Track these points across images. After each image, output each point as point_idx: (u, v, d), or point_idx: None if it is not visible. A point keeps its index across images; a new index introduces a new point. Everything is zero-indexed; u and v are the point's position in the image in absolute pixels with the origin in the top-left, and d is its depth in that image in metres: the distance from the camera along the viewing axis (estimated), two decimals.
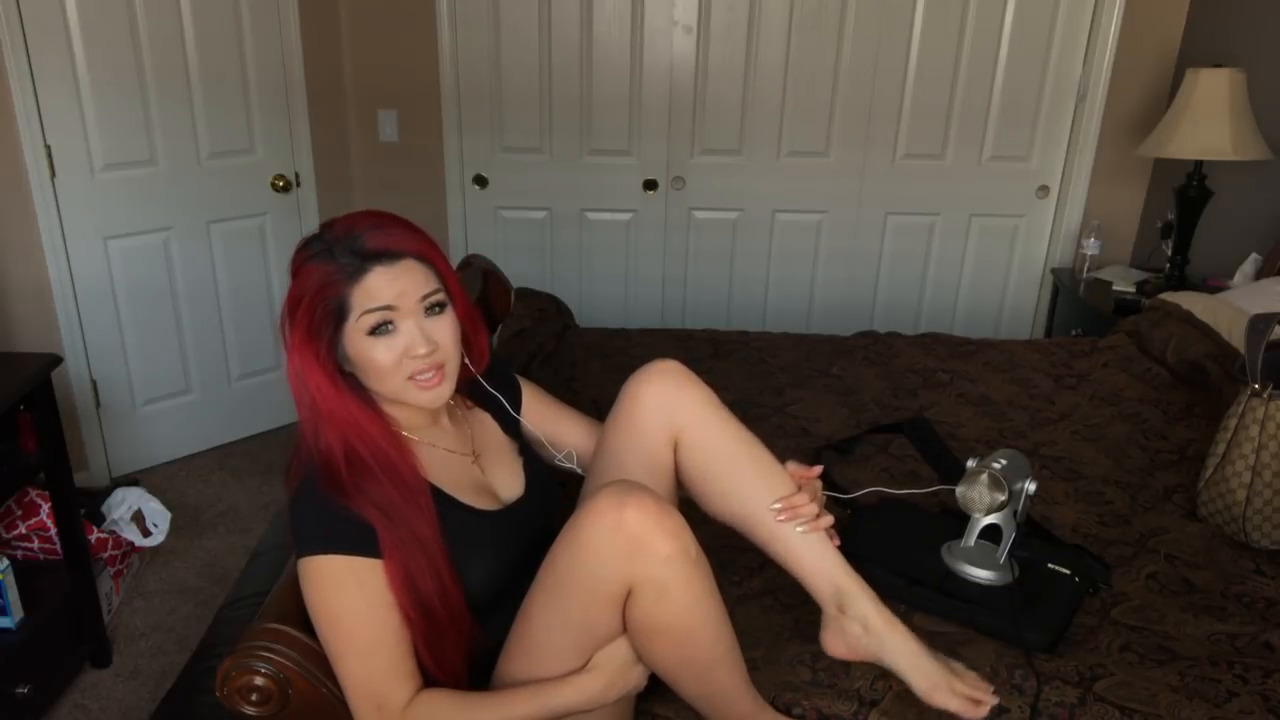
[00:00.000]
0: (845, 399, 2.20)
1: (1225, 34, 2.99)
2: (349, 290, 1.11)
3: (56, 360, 2.02)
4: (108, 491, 2.43)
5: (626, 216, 3.49)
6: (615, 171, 3.42)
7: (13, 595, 1.91)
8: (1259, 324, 1.61)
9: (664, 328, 2.96)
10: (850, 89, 3.28)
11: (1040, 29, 3.19)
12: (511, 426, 1.38)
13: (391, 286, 1.11)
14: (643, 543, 1.05)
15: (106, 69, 2.67)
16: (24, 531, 2.14)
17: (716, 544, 1.33)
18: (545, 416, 1.42)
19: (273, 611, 1.14)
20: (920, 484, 1.78)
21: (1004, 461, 1.46)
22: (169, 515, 2.44)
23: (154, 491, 2.51)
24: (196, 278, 3.02)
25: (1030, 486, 1.47)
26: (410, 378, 1.15)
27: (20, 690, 1.89)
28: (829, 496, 1.59)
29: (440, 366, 1.16)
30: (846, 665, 1.26)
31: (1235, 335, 2.15)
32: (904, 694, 1.23)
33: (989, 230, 3.45)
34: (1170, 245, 2.98)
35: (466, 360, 1.25)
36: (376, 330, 1.12)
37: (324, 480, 1.11)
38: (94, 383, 2.87)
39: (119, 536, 2.34)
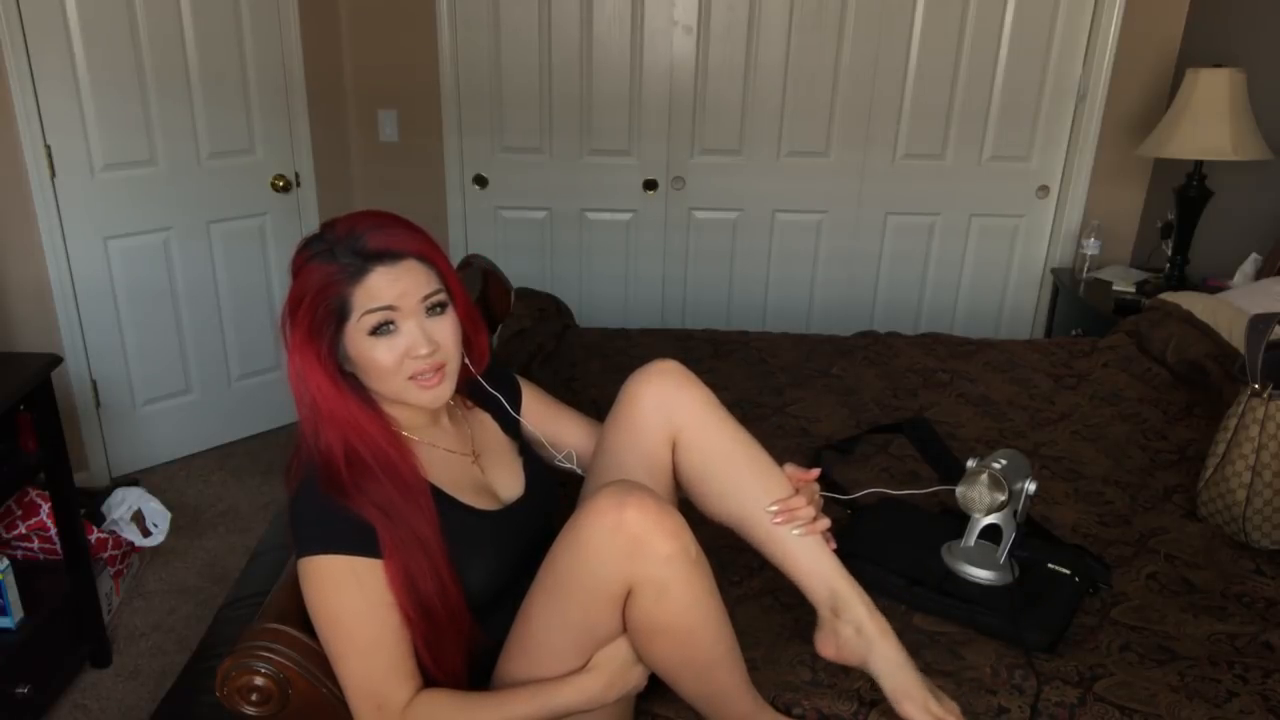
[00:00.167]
0: (845, 399, 2.20)
1: (1225, 34, 2.99)
2: (351, 290, 1.11)
3: (56, 360, 2.02)
4: (108, 491, 2.43)
5: (626, 216, 3.49)
6: (615, 171, 3.42)
7: (13, 595, 1.91)
8: (1259, 324, 1.61)
9: (664, 328, 2.96)
10: (850, 89, 3.28)
11: (1040, 29, 3.19)
12: (511, 427, 1.38)
13: (393, 287, 1.12)
14: (643, 543, 1.05)
15: (106, 69, 2.67)
16: (24, 531, 2.14)
17: (716, 544, 1.33)
18: (545, 417, 1.42)
19: (273, 611, 1.14)
20: (920, 484, 1.78)
21: (1004, 461, 1.46)
22: (169, 515, 2.44)
23: (154, 491, 2.51)
24: (196, 278, 3.02)
25: (1030, 486, 1.47)
26: (411, 378, 1.15)
27: (20, 690, 1.89)
28: (829, 497, 1.59)
29: (441, 367, 1.17)
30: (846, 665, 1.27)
31: (1235, 335, 2.15)
32: None
33: (989, 230, 3.45)
34: (1170, 245, 2.98)
35: (466, 360, 1.25)
36: (378, 330, 1.12)
37: (324, 480, 1.11)
38: (94, 383, 2.87)
39: (119, 536, 2.34)
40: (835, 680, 1.26)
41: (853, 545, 1.51)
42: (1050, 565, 1.45)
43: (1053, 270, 3.39)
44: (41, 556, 2.16)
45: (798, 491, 1.26)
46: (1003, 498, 1.43)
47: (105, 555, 2.32)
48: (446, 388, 1.18)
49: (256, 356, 3.25)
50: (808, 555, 1.23)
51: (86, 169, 2.70)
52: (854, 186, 3.41)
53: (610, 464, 1.29)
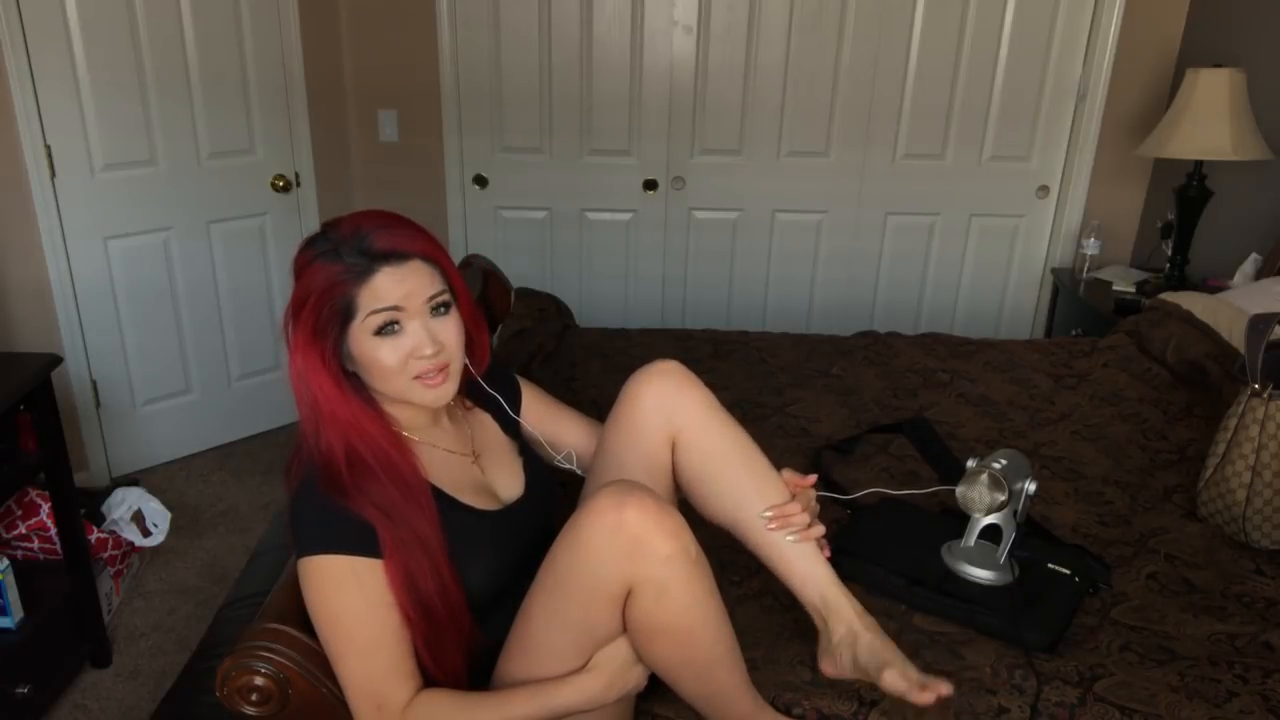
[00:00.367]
0: (845, 399, 2.20)
1: (1225, 34, 2.99)
2: (356, 290, 1.11)
3: (56, 360, 2.02)
4: (108, 491, 2.43)
5: (626, 216, 3.49)
6: (615, 171, 3.42)
7: (13, 595, 1.91)
8: (1259, 324, 1.61)
9: (664, 328, 2.95)
10: (850, 89, 3.28)
11: (1040, 29, 3.19)
12: (511, 427, 1.38)
13: (399, 287, 1.12)
14: (643, 543, 1.05)
15: (106, 69, 2.67)
16: (24, 531, 2.14)
17: (716, 544, 1.33)
18: (545, 417, 1.42)
19: (273, 611, 1.14)
20: (920, 484, 1.78)
21: (1004, 461, 1.46)
22: (169, 515, 2.44)
23: (154, 491, 2.51)
24: (196, 278, 3.02)
25: (1030, 486, 1.47)
26: (415, 377, 1.15)
27: (20, 690, 1.89)
28: (829, 497, 1.59)
29: (445, 367, 1.17)
30: None
31: (1235, 335, 2.15)
32: None
33: (989, 230, 3.45)
34: (1170, 245, 2.98)
35: (467, 361, 1.25)
36: (383, 330, 1.12)
37: (324, 480, 1.11)
38: (94, 383, 2.87)
39: (119, 536, 2.34)
40: (835, 680, 1.26)
41: (853, 545, 1.51)
42: (1050, 565, 1.45)
43: (1053, 270, 3.39)
44: (41, 556, 2.16)
45: (794, 497, 1.26)
46: (1003, 498, 1.43)
47: (105, 555, 2.32)
48: (450, 387, 1.18)
49: (256, 356, 3.25)
50: (801, 561, 1.23)
51: (86, 169, 2.70)
52: (854, 186, 3.41)
53: (610, 464, 1.29)
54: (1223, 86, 2.66)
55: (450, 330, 1.17)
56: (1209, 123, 2.68)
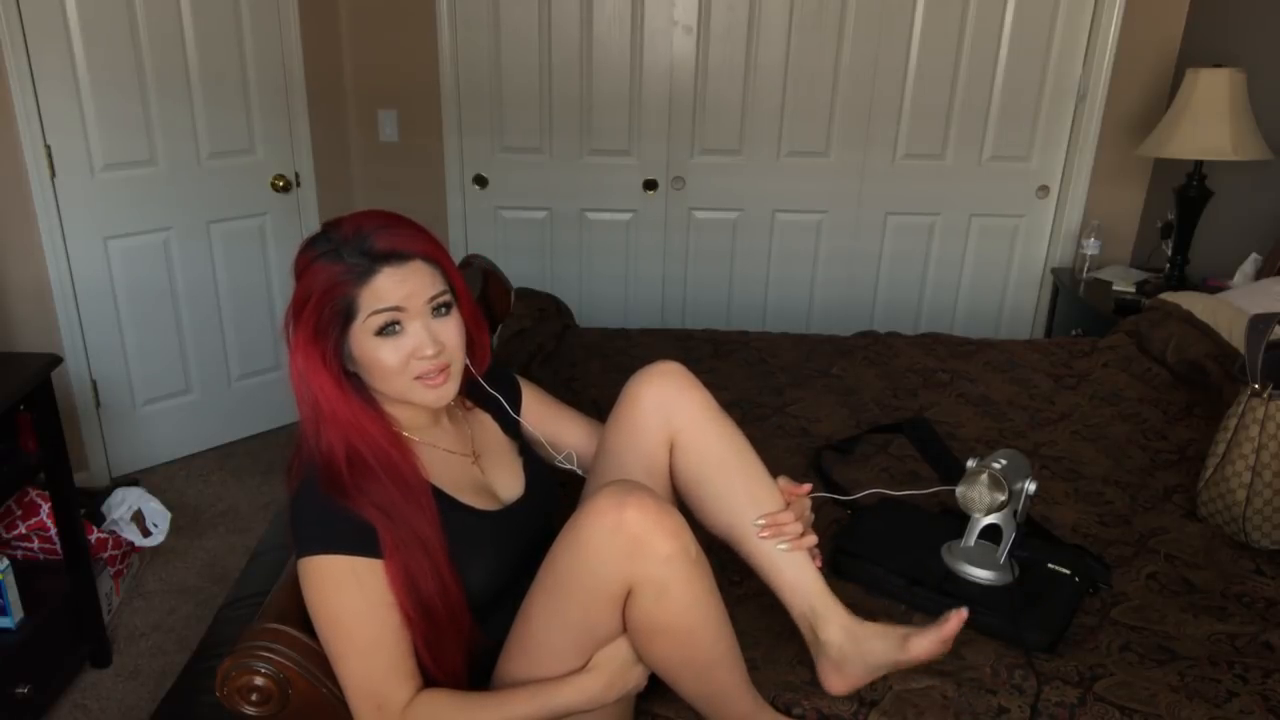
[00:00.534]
0: (845, 399, 2.20)
1: (1225, 34, 2.99)
2: (357, 291, 1.11)
3: (56, 360, 2.02)
4: (108, 491, 2.43)
5: (626, 216, 3.49)
6: (615, 171, 3.42)
7: (13, 595, 1.91)
8: (1259, 324, 1.61)
9: (664, 328, 2.95)
10: (850, 89, 3.28)
11: (1040, 29, 3.19)
12: (511, 427, 1.38)
13: (400, 288, 1.12)
14: (643, 543, 1.05)
15: (106, 69, 2.67)
16: (24, 531, 2.14)
17: (716, 544, 1.33)
18: (545, 417, 1.42)
19: (273, 611, 1.14)
20: (920, 484, 1.78)
21: (1004, 461, 1.46)
22: (169, 515, 2.44)
23: (154, 491, 2.51)
24: (196, 278, 3.02)
25: (1030, 486, 1.47)
26: (417, 378, 1.15)
27: (20, 690, 1.89)
28: (829, 498, 1.59)
29: (445, 367, 1.17)
30: None
31: (1235, 335, 2.15)
32: (904, 694, 1.23)
33: (989, 230, 3.45)
34: (1170, 245, 2.98)
35: (468, 361, 1.25)
36: (384, 330, 1.12)
37: (325, 480, 1.11)
38: (94, 383, 2.87)
39: (119, 536, 2.34)
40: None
41: (853, 545, 1.51)
42: (1050, 565, 1.45)
43: (1053, 270, 3.39)
44: (41, 556, 2.16)
45: (788, 505, 1.26)
46: (1003, 498, 1.43)
47: (105, 555, 2.32)
48: (451, 387, 1.19)
49: (256, 356, 3.25)
50: (791, 570, 1.23)
51: (86, 169, 2.70)
52: (854, 186, 3.41)
53: (610, 464, 1.29)
54: (1223, 86, 2.66)
55: (451, 330, 1.17)
56: (1209, 123, 2.68)
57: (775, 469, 1.31)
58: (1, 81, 2.48)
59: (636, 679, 1.16)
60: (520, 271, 3.30)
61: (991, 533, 1.47)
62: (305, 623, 1.12)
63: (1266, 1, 2.82)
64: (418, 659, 1.13)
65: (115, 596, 2.39)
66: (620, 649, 1.14)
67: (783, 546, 1.23)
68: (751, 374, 2.32)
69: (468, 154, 3.43)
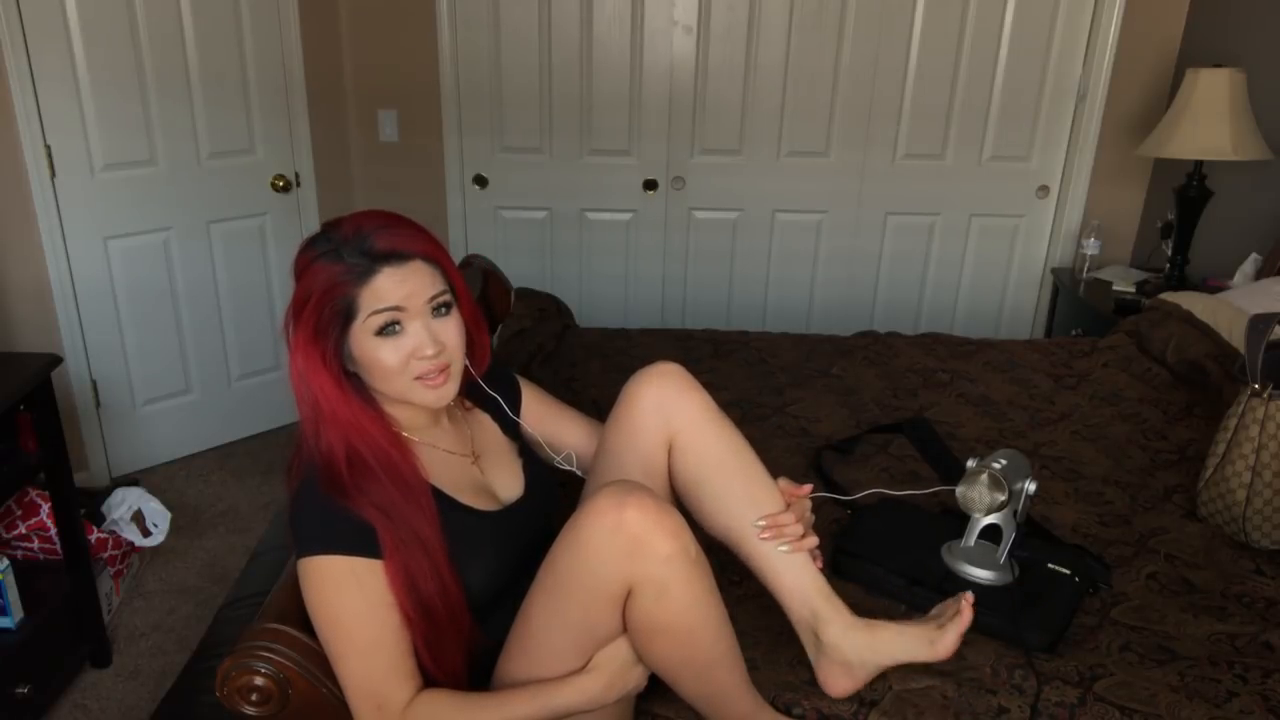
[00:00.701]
0: (845, 399, 2.20)
1: (1225, 34, 2.99)
2: (358, 291, 1.11)
3: (56, 360, 2.02)
4: (108, 491, 2.43)
5: (626, 216, 3.49)
6: (615, 171, 3.42)
7: (13, 595, 1.91)
8: (1259, 324, 1.61)
9: (664, 328, 2.95)
10: (850, 89, 3.28)
11: (1040, 29, 3.19)
12: (511, 427, 1.38)
13: (400, 288, 1.12)
14: (643, 543, 1.04)
15: (106, 69, 2.67)
16: (24, 531, 2.14)
17: (716, 544, 1.33)
18: (545, 417, 1.42)
19: (273, 611, 1.14)
20: (920, 484, 1.78)
21: (1004, 461, 1.46)
22: (169, 515, 2.44)
23: (154, 491, 2.51)
24: (196, 278, 3.02)
25: (1030, 486, 1.47)
26: (417, 378, 1.15)
27: (20, 690, 1.89)
28: (830, 498, 1.59)
29: (446, 367, 1.17)
30: None
31: (1235, 335, 2.15)
32: (904, 694, 1.23)
33: (989, 230, 3.45)
34: (1170, 245, 2.98)
35: (467, 361, 1.25)
36: (384, 330, 1.12)
37: (324, 481, 1.11)
38: (94, 383, 2.87)
39: (119, 536, 2.34)
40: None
41: (853, 545, 1.51)
42: (1050, 565, 1.45)
43: (1053, 270, 3.39)
44: (41, 556, 2.16)
45: (789, 507, 1.25)
46: (1003, 498, 1.43)
47: (105, 555, 2.32)
48: (451, 387, 1.19)
49: (256, 356, 3.25)
50: (791, 572, 1.23)
51: (86, 169, 2.70)
52: (854, 186, 3.41)
53: (610, 465, 1.29)
54: (1223, 86, 2.66)
55: (451, 330, 1.17)
56: (1209, 123, 2.68)
57: (775, 469, 1.31)
58: (1, 81, 2.48)
59: (637, 679, 1.16)
60: (520, 271, 3.30)
61: (991, 533, 1.47)
62: (305, 623, 1.12)
63: (1266, 1, 2.82)
64: (418, 659, 1.13)
65: (115, 596, 2.39)
66: (620, 649, 1.14)
67: (783, 548, 1.22)
68: (751, 374, 2.32)
69: (468, 154, 3.43)
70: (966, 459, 1.52)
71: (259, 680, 1.07)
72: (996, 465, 1.45)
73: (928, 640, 1.20)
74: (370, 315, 1.11)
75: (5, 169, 2.55)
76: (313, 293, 1.11)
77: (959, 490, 1.46)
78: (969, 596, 1.22)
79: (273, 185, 3.11)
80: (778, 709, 1.22)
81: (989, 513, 1.45)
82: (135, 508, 2.39)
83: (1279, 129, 2.75)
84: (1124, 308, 2.85)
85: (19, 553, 2.16)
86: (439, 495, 1.17)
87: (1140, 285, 3.01)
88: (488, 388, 1.33)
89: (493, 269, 2.28)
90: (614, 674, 1.13)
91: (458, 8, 3.25)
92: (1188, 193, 2.85)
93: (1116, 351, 2.38)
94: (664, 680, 1.17)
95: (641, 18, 3.23)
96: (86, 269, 2.77)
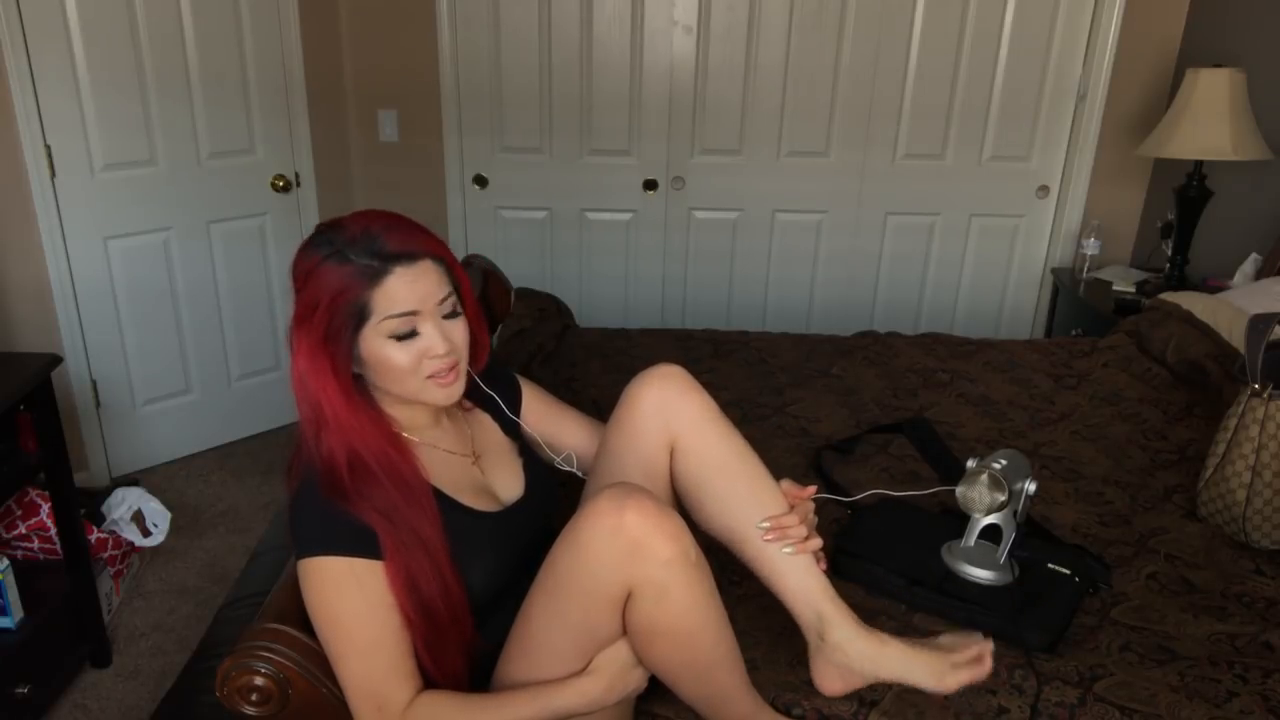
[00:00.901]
0: (845, 399, 2.20)
1: (1225, 34, 2.99)
2: (370, 293, 1.10)
3: (56, 360, 2.02)
4: (108, 491, 2.43)
5: (626, 216, 3.49)
6: (615, 171, 3.42)
7: (13, 595, 1.91)
8: (1259, 324, 1.61)
9: (664, 328, 2.95)
10: (850, 89, 3.28)
11: (1040, 29, 3.19)
12: (511, 427, 1.38)
13: (413, 289, 1.11)
14: (643, 545, 1.04)
15: (106, 69, 2.67)
16: (24, 531, 2.14)
17: (716, 545, 1.33)
18: (545, 417, 1.42)
19: (273, 611, 1.14)
20: (920, 484, 1.78)
21: (1004, 461, 1.46)
22: (169, 515, 2.44)
23: (154, 491, 2.51)
24: (196, 278, 3.02)
25: (1030, 486, 1.47)
26: (429, 377, 1.15)
27: (20, 690, 1.89)
28: (830, 499, 1.59)
29: (455, 365, 1.17)
30: None
31: (1235, 335, 2.15)
32: (904, 694, 1.23)
33: (989, 230, 3.45)
34: (1170, 245, 2.98)
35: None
36: (399, 335, 1.12)
37: (325, 485, 1.11)
38: (94, 383, 2.87)
39: (119, 536, 2.34)
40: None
41: (853, 545, 1.51)
42: (1050, 565, 1.45)
43: (1053, 270, 3.39)
44: (41, 556, 2.16)
45: (792, 508, 1.25)
46: (1003, 498, 1.43)
47: (105, 555, 2.32)
48: (460, 385, 1.19)
49: (256, 356, 3.25)
50: (795, 574, 1.22)
51: (86, 169, 2.70)
52: (854, 186, 3.41)
53: (610, 466, 1.29)
54: (1223, 86, 2.66)
55: (460, 331, 1.18)
56: (1209, 123, 2.68)
57: (775, 469, 1.31)
58: (1, 81, 2.48)
59: (637, 681, 1.16)
60: (520, 271, 3.30)
61: (991, 533, 1.47)
62: (305, 623, 1.12)
63: (1266, 1, 2.82)
64: (418, 661, 1.13)
65: (115, 596, 2.39)
66: (620, 651, 1.14)
67: (787, 550, 1.22)
68: (751, 374, 2.32)
69: (468, 154, 3.43)
70: (966, 459, 1.52)
71: (259, 680, 1.07)
72: (996, 465, 1.45)
73: (937, 674, 1.17)
74: (385, 319, 1.11)
75: (5, 169, 2.55)
76: (322, 297, 1.10)
77: (959, 490, 1.46)
78: (989, 646, 1.19)
79: (273, 185, 3.11)
80: (778, 709, 1.22)
81: (989, 513, 1.45)
82: (135, 508, 2.39)
83: (1279, 129, 2.75)
84: (1124, 308, 2.85)
85: (19, 553, 2.16)
86: (439, 496, 1.17)
87: (1140, 285, 3.01)
88: (487, 387, 1.33)
89: (493, 269, 2.28)
90: (614, 676, 1.13)
91: (458, 8, 3.25)
92: (1188, 193, 2.85)
93: (1116, 351, 2.38)
94: (664, 682, 1.17)
95: (641, 18, 3.23)
96: (86, 269, 2.77)
